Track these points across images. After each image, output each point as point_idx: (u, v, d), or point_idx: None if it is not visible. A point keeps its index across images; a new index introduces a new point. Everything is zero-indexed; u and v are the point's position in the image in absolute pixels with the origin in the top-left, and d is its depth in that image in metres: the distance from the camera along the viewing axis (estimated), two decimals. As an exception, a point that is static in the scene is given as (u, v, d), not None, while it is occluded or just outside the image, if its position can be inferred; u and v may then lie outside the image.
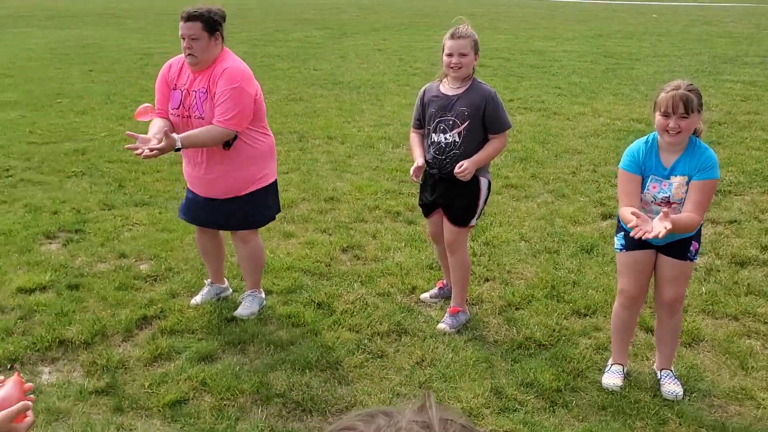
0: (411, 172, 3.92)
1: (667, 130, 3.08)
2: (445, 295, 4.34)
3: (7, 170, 6.72)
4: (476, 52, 3.79)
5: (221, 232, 4.32)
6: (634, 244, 3.22)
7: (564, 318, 4.12)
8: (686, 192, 3.15)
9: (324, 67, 13.66)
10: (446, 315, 4.08)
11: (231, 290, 4.45)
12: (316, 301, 4.31)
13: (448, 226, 3.98)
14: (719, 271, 4.67)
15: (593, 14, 26.96)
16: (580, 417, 3.24)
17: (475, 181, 3.84)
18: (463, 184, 3.82)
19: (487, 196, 3.99)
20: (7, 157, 7.16)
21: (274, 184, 4.16)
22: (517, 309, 4.24)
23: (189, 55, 3.73)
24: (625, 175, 3.26)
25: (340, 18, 23.86)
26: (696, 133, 3.18)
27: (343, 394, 3.41)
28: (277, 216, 5.71)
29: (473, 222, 3.99)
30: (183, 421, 3.21)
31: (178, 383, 3.47)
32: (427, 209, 4.16)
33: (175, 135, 3.58)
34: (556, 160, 7.48)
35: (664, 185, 3.19)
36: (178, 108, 3.82)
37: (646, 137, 3.27)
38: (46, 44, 15.84)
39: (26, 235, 5.17)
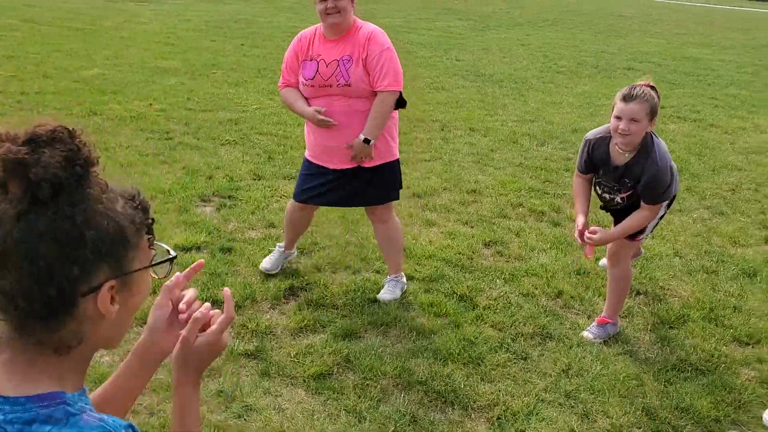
0: (576, 235, 3.72)
1: None
2: None
3: (167, 133, 7.10)
4: (651, 119, 3.37)
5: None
6: None
7: (723, 344, 3.84)
8: None
9: (466, 58, 13.54)
10: (593, 324, 3.91)
11: (296, 253, 4.49)
12: (458, 293, 4.25)
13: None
14: None
15: (755, 23, 25.18)
16: (742, 453, 3.01)
17: None
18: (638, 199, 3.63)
19: (665, 213, 3.76)
20: (168, 120, 7.56)
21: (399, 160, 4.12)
22: (671, 328, 4.00)
23: (335, 14, 3.66)
24: None
25: (484, 10, 23.59)
26: None
27: (485, 391, 3.33)
28: (418, 203, 5.70)
29: (642, 237, 3.78)
30: (327, 394, 3.25)
31: (323, 356, 3.52)
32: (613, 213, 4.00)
33: (362, 136, 3.74)
34: (713, 174, 7.02)
35: None
36: (313, 78, 3.79)
37: None
38: (202, 16, 16.66)
39: (184, 196, 5.43)
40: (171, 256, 1.20)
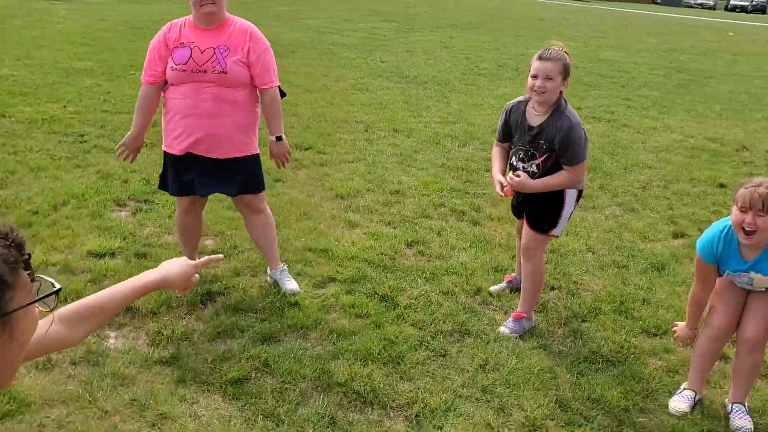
0: (497, 189, 3.81)
1: (742, 228, 2.94)
2: (514, 287, 4.37)
3: (82, 136, 6.87)
4: (565, 78, 3.59)
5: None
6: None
7: (633, 335, 4.00)
8: None
9: (390, 59, 13.63)
10: (510, 319, 4.01)
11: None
12: (380, 294, 4.27)
13: (527, 230, 3.91)
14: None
15: (667, 27, 26.31)
16: (648, 439, 3.13)
17: (560, 190, 3.77)
18: (547, 193, 3.75)
19: (574, 207, 3.89)
20: (83, 123, 7.32)
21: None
22: (583, 321, 4.13)
23: (210, 4, 3.71)
24: (699, 260, 3.21)
25: (408, 12, 23.77)
26: None
27: (404, 389, 3.36)
28: (341, 204, 5.71)
29: (555, 232, 3.89)
30: (244, 399, 3.21)
31: (241, 361, 3.47)
32: (517, 212, 4.15)
33: (273, 136, 3.99)
34: (625, 172, 7.29)
35: (744, 277, 3.13)
36: (186, 63, 3.78)
37: (723, 226, 3.12)
38: (119, 16, 16.19)
39: (98, 201, 5.27)
40: (55, 290, 1.20)
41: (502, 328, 3.94)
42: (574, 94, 10.98)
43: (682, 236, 5.59)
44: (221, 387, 3.29)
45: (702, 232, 3.28)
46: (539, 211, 3.86)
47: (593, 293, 4.49)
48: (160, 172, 4.22)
